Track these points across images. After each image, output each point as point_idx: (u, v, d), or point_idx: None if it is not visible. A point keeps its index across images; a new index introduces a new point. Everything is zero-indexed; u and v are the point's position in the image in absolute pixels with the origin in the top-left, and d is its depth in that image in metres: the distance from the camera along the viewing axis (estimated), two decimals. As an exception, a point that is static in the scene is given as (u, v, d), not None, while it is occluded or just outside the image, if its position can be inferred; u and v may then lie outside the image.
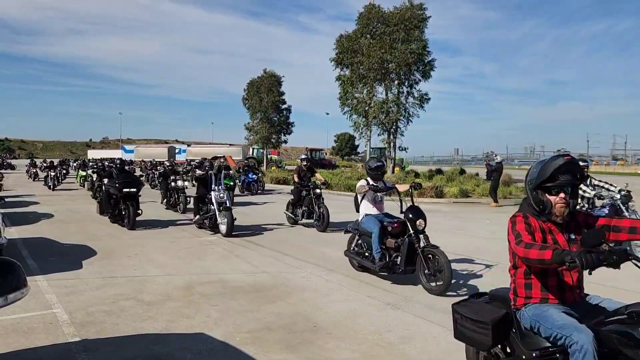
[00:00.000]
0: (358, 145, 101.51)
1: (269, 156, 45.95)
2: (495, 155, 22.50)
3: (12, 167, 50.45)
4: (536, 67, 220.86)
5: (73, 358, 4.06)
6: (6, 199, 10.13)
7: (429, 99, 29.00)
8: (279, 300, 5.74)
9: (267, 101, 40.78)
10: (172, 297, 5.80)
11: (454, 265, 7.63)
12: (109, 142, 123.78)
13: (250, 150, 51.35)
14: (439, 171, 33.48)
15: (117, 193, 11.26)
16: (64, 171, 29.12)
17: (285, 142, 43.55)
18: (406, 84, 28.97)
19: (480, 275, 7.01)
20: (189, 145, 69.00)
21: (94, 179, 18.64)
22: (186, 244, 9.26)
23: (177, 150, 66.78)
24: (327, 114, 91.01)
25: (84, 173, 25.18)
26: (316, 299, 5.79)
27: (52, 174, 22.96)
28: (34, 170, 31.76)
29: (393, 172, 29.33)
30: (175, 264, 7.58)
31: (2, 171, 40.89)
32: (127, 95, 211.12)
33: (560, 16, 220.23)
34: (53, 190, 22.12)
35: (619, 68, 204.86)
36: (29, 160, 37.37)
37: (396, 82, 29.12)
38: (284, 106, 41.97)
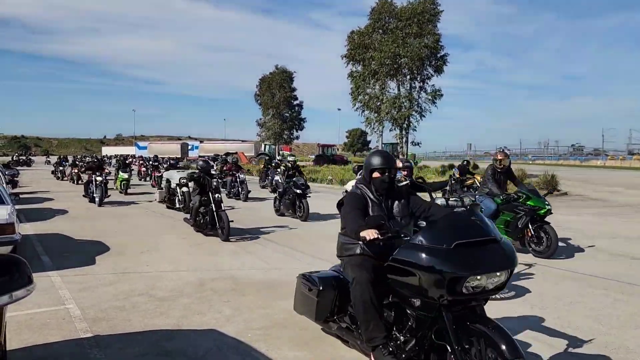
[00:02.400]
0: (370, 141, 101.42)
1: (281, 152, 46.00)
2: (502, 149, 22.23)
3: (28, 164, 51.18)
4: (550, 62, 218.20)
5: (85, 354, 4.07)
6: (20, 196, 10.25)
7: (442, 95, 28.82)
8: (291, 297, 5.67)
9: (279, 97, 40.86)
10: (184, 293, 5.80)
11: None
12: (122, 139, 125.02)
13: (263, 146, 51.49)
14: (452, 167, 33.20)
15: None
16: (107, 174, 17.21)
17: (297, 138, 43.63)
18: (418, 79, 28.81)
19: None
20: (201, 142, 69.49)
21: (180, 185, 13.06)
22: (197, 240, 9.27)
23: (189, 147, 67.19)
24: (339, 109, 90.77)
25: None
26: (328, 295, 5.74)
27: (98, 179, 15.28)
28: (61, 169, 28.62)
29: (405, 167, 29.17)
30: (186, 260, 7.59)
31: (19, 168, 41.47)
32: (141, 93, 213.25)
33: (574, 10, 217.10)
34: (100, 205, 14.70)
35: (635, 62, 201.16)
36: (55, 158, 33.74)
37: (408, 77, 28.99)
38: (295, 102, 42.04)
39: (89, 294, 5.73)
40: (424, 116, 28.88)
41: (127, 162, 24.58)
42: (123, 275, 6.54)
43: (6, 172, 16.70)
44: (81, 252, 8.03)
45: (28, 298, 5.51)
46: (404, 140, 29.52)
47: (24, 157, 54.40)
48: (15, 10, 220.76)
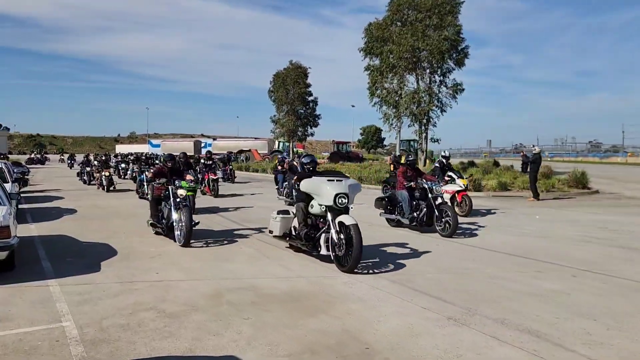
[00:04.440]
0: (384, 138, 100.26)
1: (295, 149, 45.20)
2: (534, 146, 21.19)
3: (42, 162, 51.13)
4: (565, 58, 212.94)
5: (78, 390, 3.33)
6: (21, 195, 9.60)
7: (463, 89, 27.71)
8: (321, 312, 4.92)
9: (293, 93, 40.00)
10: (197, 307, 5.04)
11: (518, 268, 6.73)
12: (136, 137, 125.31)
13: (276, 143, 50.79)
14: (472, 163, 32.00)
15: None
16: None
17: (312, 134, 42.70)
18: (439, 72, 27.75)
19: (548, 281, 6.06)
20: (214, 139, 68.99)
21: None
22: (212, 244, 8.53)
23: (202, 144, 66.78)
24: (353, 106, 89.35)
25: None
26: (364, 311, 4.95)
27: (182, 193, 9.13)
28: (88, 169, 22.81)
29: (425, 164, 28.22)
30: (200, 266, 6.85)
31: (32, 166, 41.32)
32: (153, 91, 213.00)
33: (589, 5, 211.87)
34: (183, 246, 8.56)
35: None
36: (82, 157, 27.14)
37: (428, 71, 27.95)
38: (310, 98, 41.13)
39: (90, 307, 5.00)
40: (444, 111, 27.81)
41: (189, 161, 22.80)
42: (129, 285, 5.81)
43: (15, 170, 16.15)
44: (85, 257, 7.34)
45: (21, 313, 4.86)
46: (423, 136, 28.50)
47: (39, 155, 54.37)
48: (30, 10, 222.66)
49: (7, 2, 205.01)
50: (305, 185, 7.15)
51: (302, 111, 40.89)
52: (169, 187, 8.63)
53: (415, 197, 9.81)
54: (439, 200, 9.71)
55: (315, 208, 7.06)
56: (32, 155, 53.20)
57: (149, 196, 10.55)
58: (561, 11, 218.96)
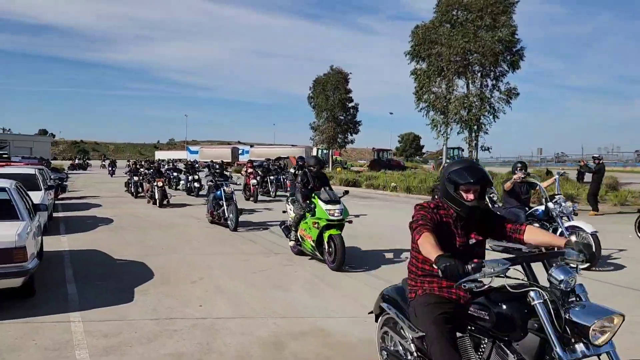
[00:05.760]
0: (423, 146, 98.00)
1: (333, 157, 44.03)
2: (597, 155, 19.23)
3: (84, 168, 51.82)
4: (608, 64, 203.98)
5: None
6: (55, 202, 8.72)
7: (518, 93, 25.89)
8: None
9: (333, 99, 38.92)
10: (253, 361, 3.85)
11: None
12: (174, 143, 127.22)
13: (314, 150, 49.79)
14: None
15: None
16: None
17: (352, 142, 41.44)
18: (491, 76, 26.04)
19: None
20: (251, 146, 68.70)
21: None
22: (260, 264, 7.37)
23: (240, 151, 66.56)
24: (391, 113, 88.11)
25: None
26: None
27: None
28: (136, 179, 19.00)
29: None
30: (251, 296, 5.66)
31: (74, 172, 41.70)
32: (192, 98, 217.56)
33: (634, 9, 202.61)
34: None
35: None
36: (127, 163, 25.03)
37: (479, 74, 26.31)
38: (350, 104, 39.95)
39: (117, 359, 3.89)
40: (497, 117, 26.07)
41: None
42: (167, 324, 4.67)
43: (52, 176, 15.56)
44: (117, 280, 6.29)
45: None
46: (473, 144, 26.77)
47: (81, 161, 55.26)
48: (74, 21, 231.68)
49: (54, 13, 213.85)
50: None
51: (342, 117, 39.76)
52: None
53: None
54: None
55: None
56: (75, 161, 54.03)
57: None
58: (603, 16, 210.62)
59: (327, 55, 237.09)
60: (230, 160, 55.07)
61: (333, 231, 6.92)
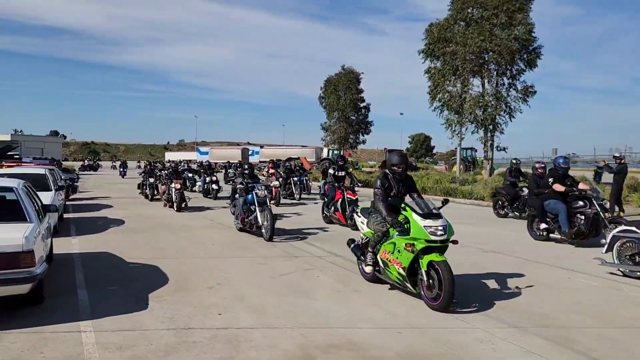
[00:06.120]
0: (434, 147, 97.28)
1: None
2: (619, 154, 18.60)
3: (95, 169, 51.87)
4: (620, 65, 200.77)
5: None
6: (77, 202, 8.41)
7: (535, 91, 25.31)
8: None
9: (344, 99, 38.54)
10: (282, 379, 3.47)
11: None
12: (184, 144, 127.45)
13: (325, 151, 49.38)
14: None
15: None
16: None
17: (364, 142, 41.03)
18: (508, 74, 25.49)
19: None
20: (262, 147, 68.48)
21: None
22: (281, 268, 7.00)
23: (250, 152, 66.37)
24: (401, 114, 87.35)
25: None
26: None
27: None
28: (152, 181, 17.61)
29: (490, 174, 25.96)
30: (274, 304, 5.28)
31: (84, 173, 41.69)
32: (202, 100, 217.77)
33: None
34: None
35: None
36: (142, 164, 23.76)
37: (495, 72, 25.76)
38: (362, 104, 39.54)
39: (132, 374, 3.53)
40: (513, 117, 25.50)
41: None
42: (185, 335, 4.31)
43: (62, 176, 15.31)
44: (130, 285, 5.95)
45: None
46: (488, 144, 26.20)
47: (91, 162, 55.33)
48: (85, 22, 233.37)
49: (65, 16, 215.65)
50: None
51: (354, 117, 39.36)
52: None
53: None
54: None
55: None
56: (85, 162, 54.11)
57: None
58: (615, 16, 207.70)
59: (336, 56, 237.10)
60: (240, 161, 54.79)
61: (434, 256, 5.13)
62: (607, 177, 27.74)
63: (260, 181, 11.04)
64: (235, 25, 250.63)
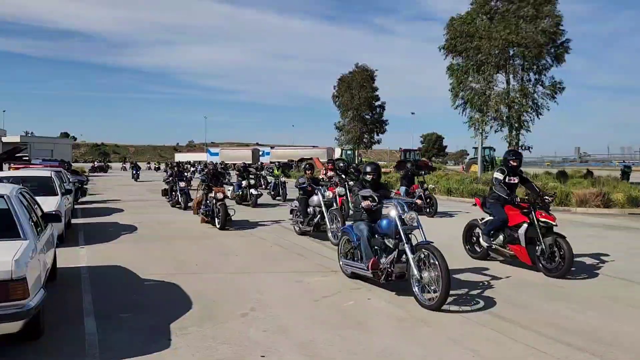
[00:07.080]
0: (446, 146, 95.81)
1: (358, 158, 42.46)
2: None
3: (105, 170, 51.25)
4: (633, 62, 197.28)
5: None
6: (87, 206, 7.47)
7: (564, 87, 24.04)
8: None
9: (359, 98, 37.41)
10: None
11: None
12: (194, 145, 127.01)
13: (338, 151, 48.31)
14: (563, 173, 27.76)
15: None
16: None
17: (379, 142, 39.88)
18: (534, 70, 24.23)
19: None
20: (272, 148, 67.57)
21: None
22: (320, 287, 5.96)
23: (261, 153, 65.51)
24: (413, 113, 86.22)
25: None
26: None
27: None
28: (183, 185, 14.97)
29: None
30: (325, 341, 4.22)
31: (94, 174, 40.98)
32: (211, 101, 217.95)
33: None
34: None
35: None
36: (163, 166, 22.19)
37: (520, 68, 24.51)
38: (377, 103, 38.40)
39: None
40: (541, 114, 24.21)
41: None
42: (223, 390, 3.28)
43: (70, 179, 14.41)
44: (147, 312, 4.94)
45: None
46: (513, 142, 24.93)
47: (102, 164, 54.75)
48: (96, 25, 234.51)
49: (77, 19, 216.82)
50: None
51: (369, 116, 38.23)
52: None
53: None
54: None
55: None
56: (95, 164, 53.52)
57: None
58: (627, 13, 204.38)
59: (346, 57, 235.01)
60: (251, 162, 54.03)
61: None
62: (635, 177, 26.41)
63: (321, 185, 10.03)
64: (246, 26, 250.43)
